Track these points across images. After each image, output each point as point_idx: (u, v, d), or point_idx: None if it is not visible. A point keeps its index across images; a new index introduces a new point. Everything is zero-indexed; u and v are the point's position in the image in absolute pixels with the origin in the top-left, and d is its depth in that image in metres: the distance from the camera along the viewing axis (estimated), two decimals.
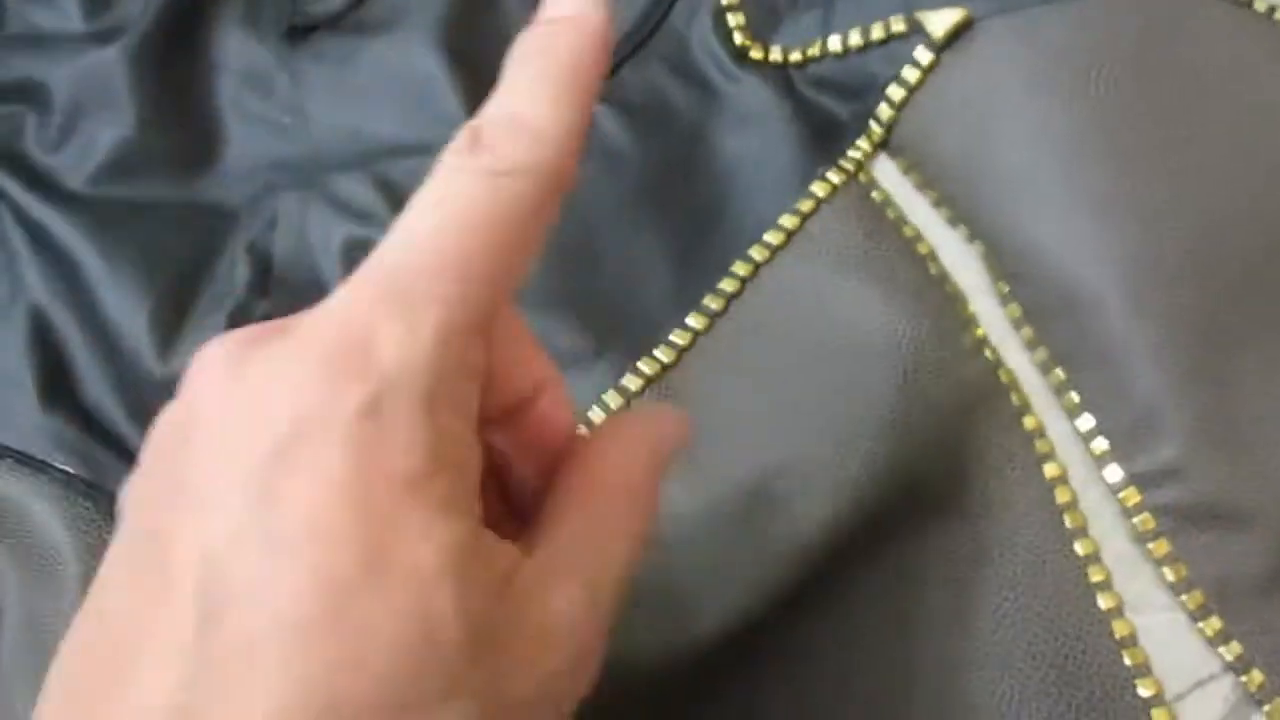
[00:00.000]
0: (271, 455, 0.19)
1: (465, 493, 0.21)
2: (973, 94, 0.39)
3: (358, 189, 0.41)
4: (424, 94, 0.42)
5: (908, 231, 0.40)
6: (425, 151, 0.41)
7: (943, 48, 0.40)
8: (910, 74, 0.40)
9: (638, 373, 0.38)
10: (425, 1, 0.43)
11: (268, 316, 0.38)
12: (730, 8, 0.44)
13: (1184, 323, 0.35)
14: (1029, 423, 0.37)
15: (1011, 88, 0.38)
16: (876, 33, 0.41)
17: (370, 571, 0.18)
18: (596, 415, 0.37)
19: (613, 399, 0.37)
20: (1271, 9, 0.39)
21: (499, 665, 0.20)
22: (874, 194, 0.40)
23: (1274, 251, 0.36)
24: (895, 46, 0.41)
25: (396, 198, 0.41)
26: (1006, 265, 0.38)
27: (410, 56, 0.43)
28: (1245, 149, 0.37)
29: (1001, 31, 0.39)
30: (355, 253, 0.40)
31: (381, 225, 0.40)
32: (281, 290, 0.41)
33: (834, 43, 0.42)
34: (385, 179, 0.41)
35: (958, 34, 0.39)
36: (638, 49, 0.43)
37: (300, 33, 0.45)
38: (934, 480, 0.36)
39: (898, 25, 0.41)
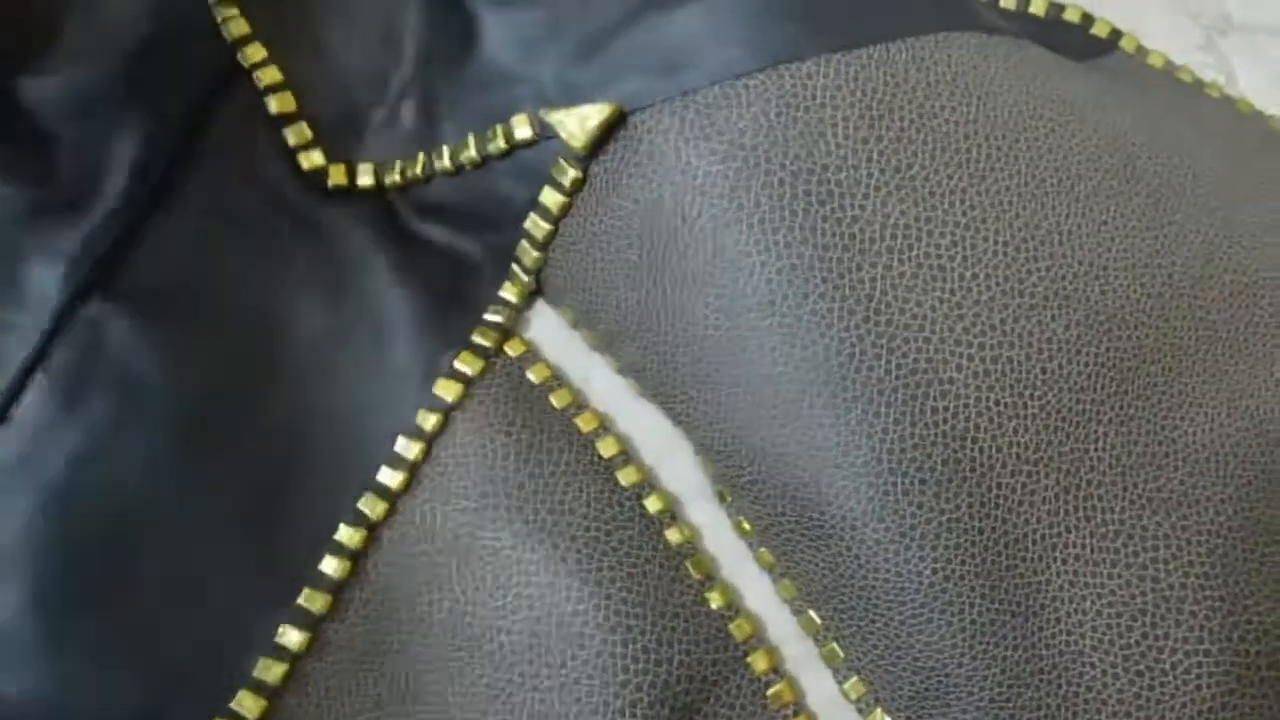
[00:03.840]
0: None
1: None
2: (638, 224, 0.27)
3: None
4: None
5: (585, 424, 0.28)
6: None
7: (590, 159, 0.27)
8: (550, 198, 0.28)
9: None
10: None
11: None
12: (288, 117, 0.30)
13: (969, 540, 0.25)
14: (778, 697, 0.26)
15: (689, 213, 0.26)
16: (497, 141, 0.28)
17: None
18: None
19: None
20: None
21: None
22: (531, 373, 0.28)
23: (1083, 391, 0.26)
24: (526, 156, 0.28)
25: None
26: (723, 469, 0.27)
27: None
28: (1030, 251, 0.26)
29: (666, 129, 0.26)
30: None
31: None
32: None
33: (442, 157, 0.29)
34: None
35: (607, 136, 0.27)
36: (160, 197, 0.29)
37: None
38: None
39: (522, 129, 0.27)
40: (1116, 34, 0.33)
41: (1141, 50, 0.33)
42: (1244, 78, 0.34)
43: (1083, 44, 0.32)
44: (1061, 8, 0.33)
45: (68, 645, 0.25)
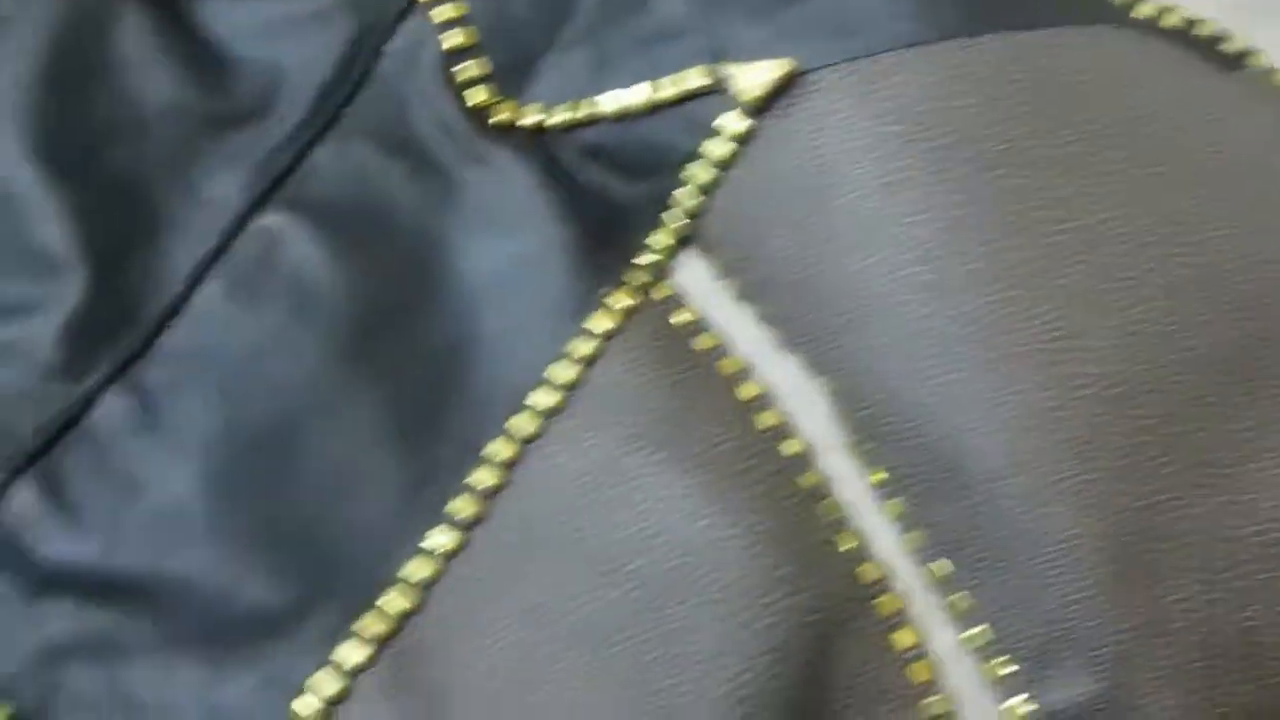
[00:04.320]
0: None
1: None
2: (805, 177, 0.28)
3: None
4: (5, 223, 0.28)
5: (727, 367, 0.29)
6: (13, 316, 0.28)
7: (761, 112, 0.28)
8: (718, 147, 0.29)
9: (360, 636, 0.26)
10: (6, 65, 0.29)
11: None
12: (463, 52, 0.31)
13: (1105, 500, 0.26)
14: (902, 638, 0.27)
15: (857, 170, 0.27)
16: (668, 90, 0.29)
17: None
18: (309, 709, 0.25)
19: (328, 683, 0.25)
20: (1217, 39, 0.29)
21: None
22: (677, 316, 0.29)
23: (1218, 372, 0.27)
24: (695, 108, 0.29)
25: None
26: (866, 418, 0.28)
27: None
28: (1174, 235, 0.27)
29: (840, 88, 0.28)
30: None
31: None
32: None
33: (609, 101, 0.30)
34: None
35: (780, 92, 0.28)
36: (335, 118, 0.30)
37: None
38: None
39: (697, 79, 0.29)
40: (1247, 52, 0.34)
41: (1269, 69, 0.34)
42: None
43: (1214, 59, 0.34)
44: (1195, 23, 0.34)
45: (232, 529, 0.26)
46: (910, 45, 0.27)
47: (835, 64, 0.28)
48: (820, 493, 0.28)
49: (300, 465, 0.27)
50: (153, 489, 0.27)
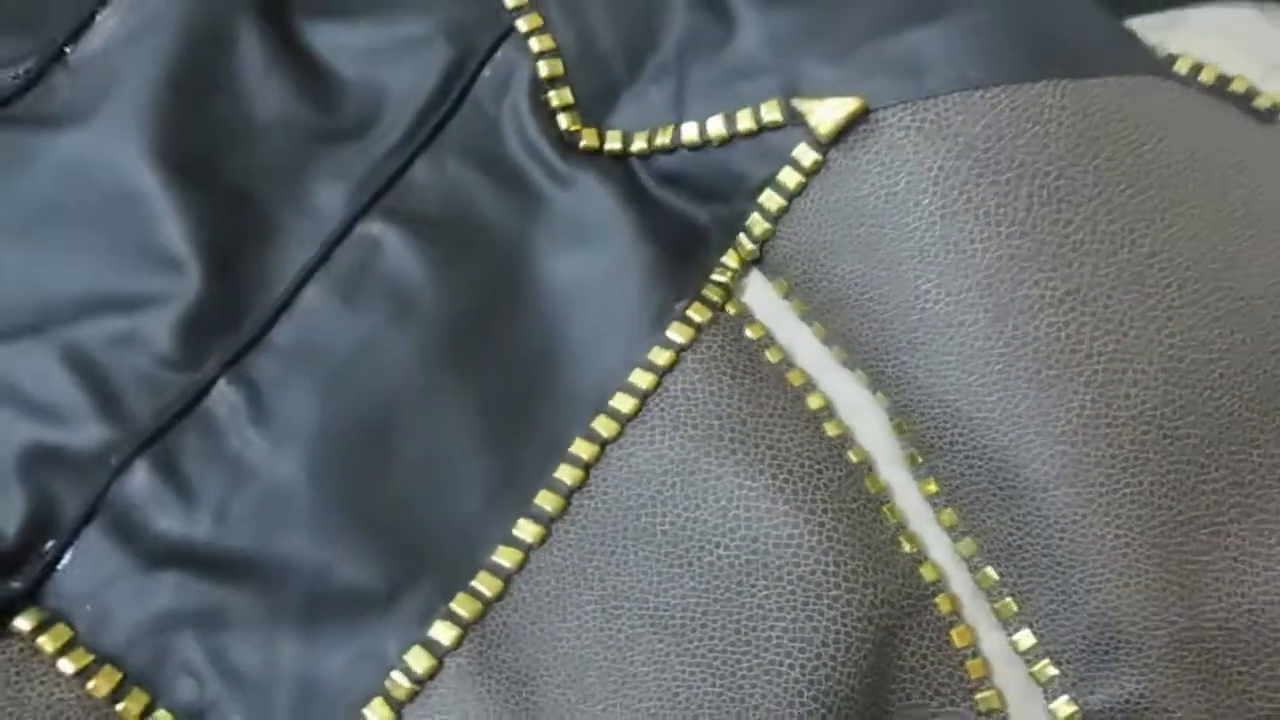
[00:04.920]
0: None
1: None
2: (872, 206, 0.30)
3: (38, 368, 0.29)
4: (130, 221, 0.31)
5: (794, 379, 0.31)
6: (135, 308, 0.30)
7: (831, 145, 0.31)
8: (789, 177, 0.31)
9: (452, 617, 0.28)
10: (132, 77, 0.31)
11: None
12: (553, 81, 0.33)
13: (1148, 514, 0.28)
14: (959, 637, 0.29)
15: (922, 200, 0.29)
16: (744, 122, 0.31)
17: None
18: (401, 684, 0.27)
19: (420, 660, 0.27)
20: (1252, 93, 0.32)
21: None
22: (748, 330, 0.31)
23: (1252, 401, 0.29)
24: (769, 139, 0.31)
25: (98, 381, 0.29)
26: (922, 431, 0.30)
27: (111, 163, 0.31)
28: (1215, 272, 0.29)
29: (906, 126, 0.30)
30: (40, 469, 0.28)
31: (78, 424, 0.28)
32: None
33: (689, 131, 0.32)
34: (79, 352, 0.29)
35: (850, 127, 0.30)
36: (433, 136, 0.32)
37: None
38: None
39: (772, 114, 0.31)
40: (1277, 107, 0.37)
41: None
42: None
43: (1247, 113, 0.36)
44: (1229, 79, 0.37)
45: (333, 513, 0.28)
46: (973, 89, 0.30)
47: (902, 103, 0.30)
48: (883, 498, 0.30)
49: (397, 456, 0.29)
50: (260, 473, 0.28)
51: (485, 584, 0.28)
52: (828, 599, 0.27)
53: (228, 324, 0.30)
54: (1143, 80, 0.31)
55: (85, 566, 0.28)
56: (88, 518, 0.28)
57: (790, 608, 0.27)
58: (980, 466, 0.29)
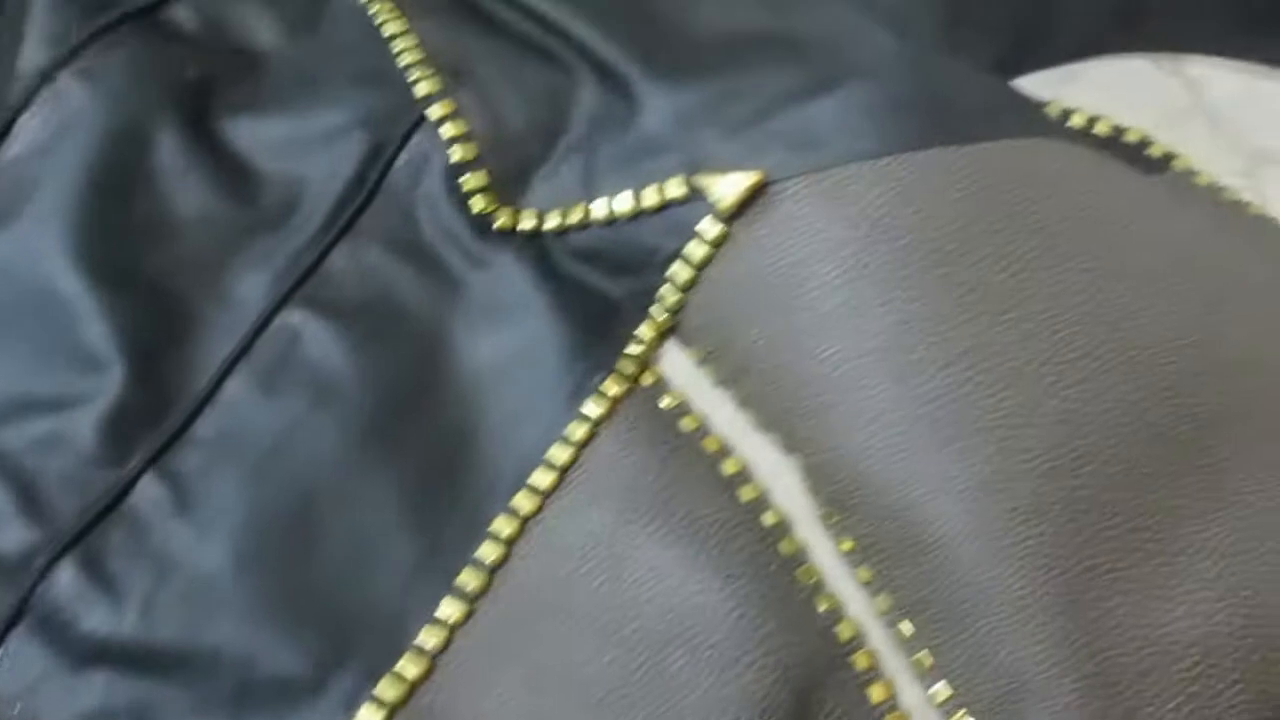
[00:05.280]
0: None
1: None
2: (774, 275, 0.31)
3: None
4: (53, 322, 0.31)
5: (710, 445, 0.32)
6: (58, 409, 0.30)
7: (733, 218, 0.32)
8: (696, 250, 0.32)
9: (376, 702, 0.28)
10: (53, 179, 0.32)
11: None
12: (466, 165, 0.34)
13: (1051, 563, 0.28)
14: (877, 693, 0.29)
15: (820, 268, 0.31)
16: (650, 198, 0.33)
17: None
18: None
19: None
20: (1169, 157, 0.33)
21: None
22: (664, 400, 0.32)
23: (1147, 447, 0.30)
24: (675, 213, 0.33)
25: (23, 484, 0.30)
26: (834, 491, 0.31)
27: (33, 265, 0.31)
28: (1106, 324, 0.31)
29: (803, 198, 0.31)
30: None
31: (2, 527, 0.29)
32: None
33: (599, 208, 0.33)
34: (2, 455, 0.30)
35: (750, 200, 0.32)
36: (350, 225, 0.33)
37: None
38: None
39: (675, 189, 0.32)
40: (1169, 156, 0.38)
41: (1190, 171, 0.38)
42: (1278, 202, 0.39)
43: (1140, 163, 0.38)
44: (1123, 130, 0.38)
45: (259, 602, 0.29)
46: (866, 159, 0.31)
47: (799, 175, 0.31)
48: (799, 559, 0.30)
49: (321, 542, 0.29)
50: (186, 566, 0.29)
51: (409, 666, 0.28)
52: (742, 665, 0.28)
53: (151, 419, 0.30)
54: (1032, 142, 0.33)
55: (13, 668, 0.28)
56: (14, 620, 0.28)
57: (706, 675, 0.28)
58: (890, 524, 0.30)
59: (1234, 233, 0.35)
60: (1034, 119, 0.34)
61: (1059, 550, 0.29)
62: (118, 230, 0.32)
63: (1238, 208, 0.37)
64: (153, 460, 0.30)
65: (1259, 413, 0.32)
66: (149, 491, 0.30)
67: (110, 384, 0.30)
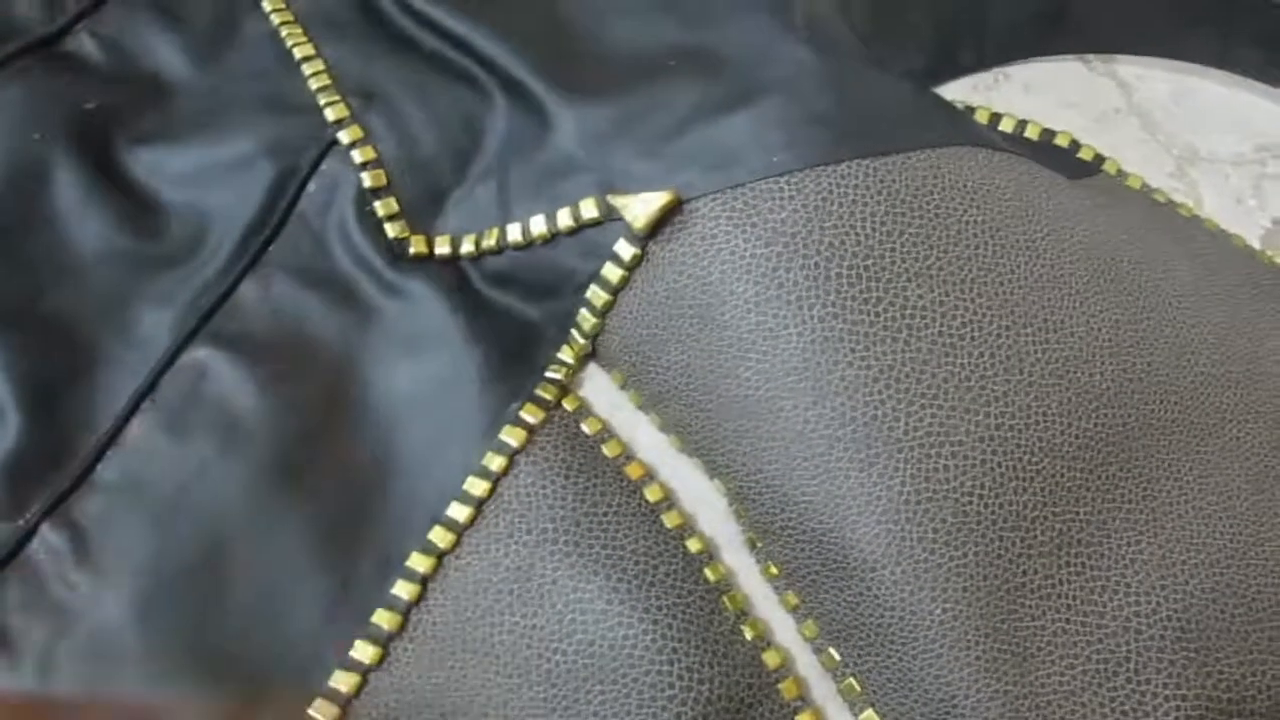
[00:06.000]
0: None
1: None
2: (690, 297, 0.30)
3: None
4: None
5: (633, 472, 0.31)
6: None
7: (648, 239, 0.31)
8: (612, 272, 0.31)
9: None
10: None
11: None
12: (378, 191, 0.33)
13: (975, 585, 0.28)
14: None
15: (737, 287, 0.30)
16: (565, 220, 0.32)
17: None
18: None
19: None
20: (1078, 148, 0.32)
21: None
22: (585, 425, 0.31)
23: (1074, 461, 0.29)
24: (590, 235, 0.32)
25: None
26: (757, 516, 0.30)
27: None
28: (1029, 336, 0.30)
29: (717, 216, 0.30)
30: None
31: None
32: None
33: (514, 231, 0.32)
34: None
35: (665, 220, 0.31)
36: (259, 256, 0.32)
37: None
38: None
39: (590, 210, 0.31)
40: (1100, 158, 0.37)
41: (1121, 173, 0.37)
42: (1209, 202, 0.38)
43: (1071, 166, 0.37)
44: (1053, 134, 0.38)
45: (164, 652, 0.28)
46: (781, 174, 0.30)
47: (713, 193, 0.30)
48: (724, 586, 0.30)
49: (230, 587, 0.28)
50: (85, 618, 0.28)
51: (322, 712, 0.28)
52: (664, 699, 0.27)
53: (51, 466, 0.29)
54: (950, 151, 0.32)
55: None
56: None
57: (627, 710, 0.27)
58: (812, 549, 0.29)
59: (1163, 235, 0.35)
60: (958, 127, 0.33)
61: (983, 570, 0.28)
62: (15, 270, 0.31)
63: (1168, 209, 0.37)
64: (52, 509, 0.29)
65: (1186, 419, 0.31)
66: (48, 541, 0.29)
67: (6, 432, 0.29)
